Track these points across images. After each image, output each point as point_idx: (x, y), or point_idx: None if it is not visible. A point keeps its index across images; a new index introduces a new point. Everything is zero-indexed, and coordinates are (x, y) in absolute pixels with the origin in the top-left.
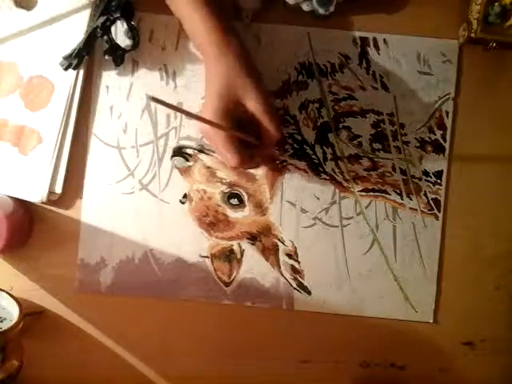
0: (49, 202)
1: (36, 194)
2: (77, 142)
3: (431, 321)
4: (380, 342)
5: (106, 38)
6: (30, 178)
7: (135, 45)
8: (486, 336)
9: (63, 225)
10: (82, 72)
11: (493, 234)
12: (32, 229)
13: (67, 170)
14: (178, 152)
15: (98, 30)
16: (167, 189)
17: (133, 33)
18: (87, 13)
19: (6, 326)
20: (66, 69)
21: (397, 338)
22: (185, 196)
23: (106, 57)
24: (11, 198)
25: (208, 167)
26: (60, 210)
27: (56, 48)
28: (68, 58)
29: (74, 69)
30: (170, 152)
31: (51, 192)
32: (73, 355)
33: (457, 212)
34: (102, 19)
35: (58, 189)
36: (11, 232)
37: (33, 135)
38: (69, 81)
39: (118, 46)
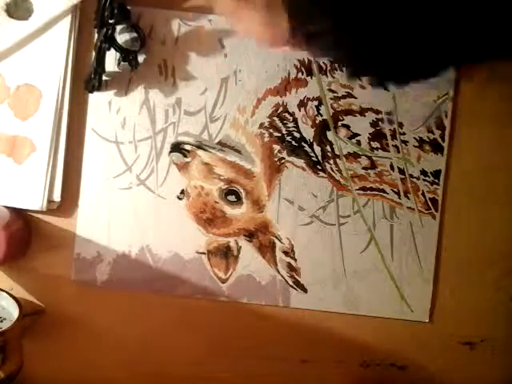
0: (48, 210)
1: (35, 202)
2: (72, 142)
3: (427, 320)
4: (380, 341)
5: (114, 48)
6: (27, 187)
7: (143, 42)
8: (486, 336)
9: (62, 226)
10: (69, 70)
11: (492, 234)
12: (31, 240)
13: (64, 175)
14: (176, 148)
15: (103, 44)
16: (165, 184)
17: (137, 32)
18: (68, 18)
19: (5, 326)
20: (91, 91)
21: (396, 338)
22: (182, 192)
23: (121, 64)
24: (8, 208)
25: (206, 163)
26: (59, 213)
27: (39, 55)
28: (88, 81)
29: (98, 90)
30: (168, 147)
31: (50, 201)
32: (72, 355)
33: (454, 212)
34: (102, 32)
35: (57, 197)
36: (10, 243)
37: (26, 144)
38: (56, 84)
39: (128, 50)
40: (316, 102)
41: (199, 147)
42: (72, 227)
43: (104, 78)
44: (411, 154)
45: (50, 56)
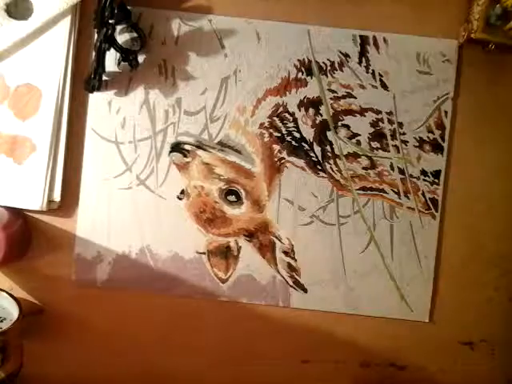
0: (48, 210)
1: (35, 202)
2: (72, 142)
3: (427, 320)
4: (380, 341)
5: (114, 48)
6: (27, 187)
7: (143, 42)
8: (486, 336)
9: (62, 226)
10: (69, 70)
11: (492, 234)
12: (31, 240)
13: (64, 175)
14: (176, 148)
15: (103, 44)
16: (165, 184)
17: (137, 32)
18: (68, 18)
19: (5, 326)
20: (91, 91)
21: (396, 338)
22: (182, 192)
23: (121, 64)
24: (7, 208)
25: (206, 163)
26: (59, 213)
27: (39, 55)
28: (88, 81)
29: (98, 90)
30: (168, 148)
31: (50, 201)
32: (72, 355)
33: (454, 212)
34: (103, 32)
35: (57, 196)
36: (9, 244)
37: (26, 144)
38: (56, 84)
39: (128, 50)
40: (316, 102)
41: (199, 147)
42: (72, 227)
43: (104, 77)
44: (411, 154)
45: (49, 56)
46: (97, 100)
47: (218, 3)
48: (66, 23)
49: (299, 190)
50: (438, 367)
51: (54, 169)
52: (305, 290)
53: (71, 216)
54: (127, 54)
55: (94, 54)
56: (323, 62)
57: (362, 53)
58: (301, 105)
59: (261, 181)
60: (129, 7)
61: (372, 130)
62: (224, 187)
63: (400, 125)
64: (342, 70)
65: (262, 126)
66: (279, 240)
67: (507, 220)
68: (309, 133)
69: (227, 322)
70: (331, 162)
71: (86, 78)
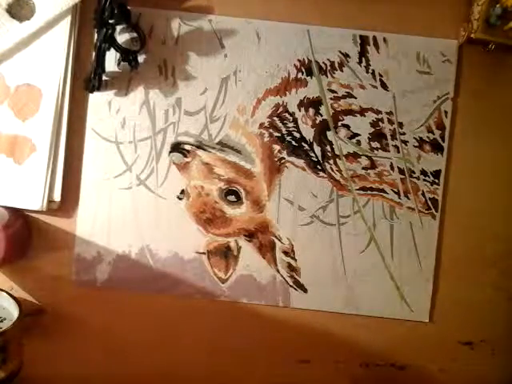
0: (48, 210)
1: (35, 202)
2: (72, 142)
3: (427, 320)
4: (380, 342)
5: (114, 48)
6: (27, 187)
7: (143, 42)
8: (485, 336)
9: (62, 226)
10: (70, 70)
11: (492, 234)
12: (31, 240)
13: (64, 175)
14: (176, 148)
15: (103, 44)
16: (165, 184)
17: (137, 32)
18: (68, 18)
19: (5, 326)
20: (91, 91)
21: (396, 338)
22: (182, 192)
23: (121, 64)
24: (7, 208)
25: (206, 163)
26: (59, 213)
27: (39, 55)
28: (88, 81)
29: (98, 89)
30: (167, 148)
31: (50, 201)
32: (72, 354)
33: (454, 212)
34: (102, 32)
35: (57, 196)
36: (9, 244)
37: (26, 144)
38: (56, 84)
39: (128, 50)
40: (316, 102)
41: (199, 147)
42: (72, 227)
43: (104, 77)
44: (411, 154)
45: (50, 56)
46: (97, 100)
47: (218, 3)
48: (66, 23)
49: (299, 190)
50: (438, 367)
51: (54, 169)
52: (305, 290)
53: (71, 216)
54: (127, 54)
55: (93, 53)
56: (323, 62)
57: (362, 53)
58: (301, 105)
59: (261, 181)
60: (129, 7)
61: (372, 129)
62: (224, 187)
63: (400, 125)
64: (342, 70)
65: (261, 126)
66: (279, 240)
67: (507, 220)
68: (309, 133)
69: (227, 322)
70: (331, 161)
71: (86, 78)
